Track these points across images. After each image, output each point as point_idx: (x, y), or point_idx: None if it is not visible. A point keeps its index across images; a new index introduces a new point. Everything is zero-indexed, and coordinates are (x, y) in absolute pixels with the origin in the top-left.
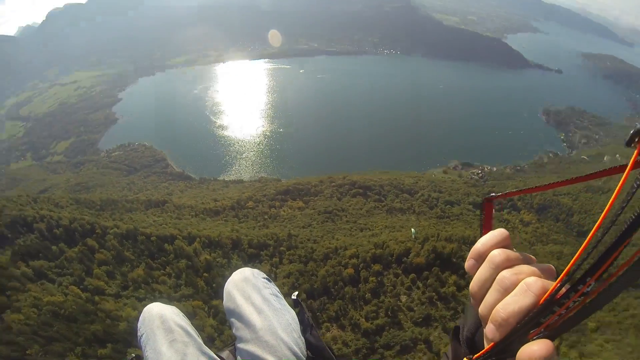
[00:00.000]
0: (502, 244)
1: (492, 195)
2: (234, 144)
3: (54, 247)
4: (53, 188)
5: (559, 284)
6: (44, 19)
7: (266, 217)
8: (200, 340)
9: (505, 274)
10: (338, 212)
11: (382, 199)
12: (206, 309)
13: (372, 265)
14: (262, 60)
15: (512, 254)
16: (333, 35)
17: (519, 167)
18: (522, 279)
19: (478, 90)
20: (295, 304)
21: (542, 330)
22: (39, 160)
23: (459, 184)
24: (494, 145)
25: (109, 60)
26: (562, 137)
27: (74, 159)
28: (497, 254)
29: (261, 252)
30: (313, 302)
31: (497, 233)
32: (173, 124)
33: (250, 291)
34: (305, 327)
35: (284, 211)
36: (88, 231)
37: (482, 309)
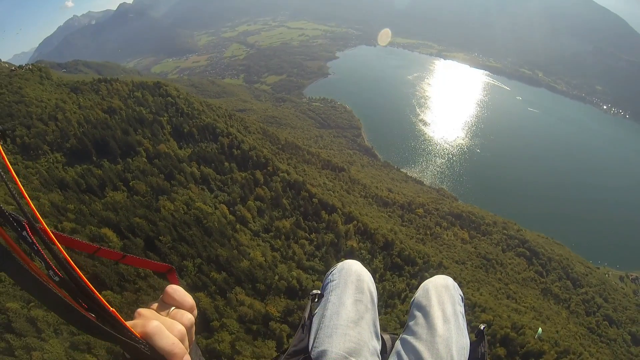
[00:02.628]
0: None
1: None
2: (429, 143)
3: (226, 164)
4: (250, 111)
5: None
6: None
7: (428, 232)
8: (377, 314)
9: None
10: (496, 265)
11: (544, 273)
12: None
13: (497, 345)
14: (481, 71)
15: None
16: (558, 71)
17: None
18: None
19: None
20: (477, 334)
21: None
22: (249, 84)
23: (630, 303)
24: None
25: (337, 19)
26: None
27: (278, 94)
28: None
29: (406, 267)
30: None
31: None
32: (378, 99)
33: (445, 299)
34: (475, 358)
35: (447, 235)
36: (261, 164)
37: None
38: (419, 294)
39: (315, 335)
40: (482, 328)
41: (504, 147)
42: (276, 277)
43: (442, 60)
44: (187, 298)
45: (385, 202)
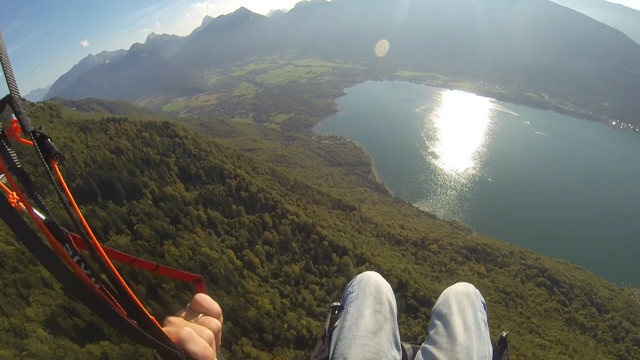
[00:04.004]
0: None
1: None
2: (440, 176)
3: (234, 207)
4: (259, 151)
5: None
6: (293, 7)
7: (443, 269)
8: (396, 324)
9: None
10: (515, 298)
11: (567, 302)
12: None
13: None
14: (487, 98)
15: None
16: (564, 92)
17: None
18: None
19: None
20: (500, 342)
21: None
22: (258, 122)
23: None
24: None
25: (343, 56)
26: None
27: (287, 132)
28: None
29: (421, 308)
30: None
31: None
32: (387, 134)
33: (466, 306)
34: None
35: (462, 270)
36: (270, 207)
37: None
38: (439, 302)
39: (335, 346)
40: (504, 335)
41: (515, 173)
42: (285, 326)
43: (448, 90)
44: (214, 306)
45: (398, 240)
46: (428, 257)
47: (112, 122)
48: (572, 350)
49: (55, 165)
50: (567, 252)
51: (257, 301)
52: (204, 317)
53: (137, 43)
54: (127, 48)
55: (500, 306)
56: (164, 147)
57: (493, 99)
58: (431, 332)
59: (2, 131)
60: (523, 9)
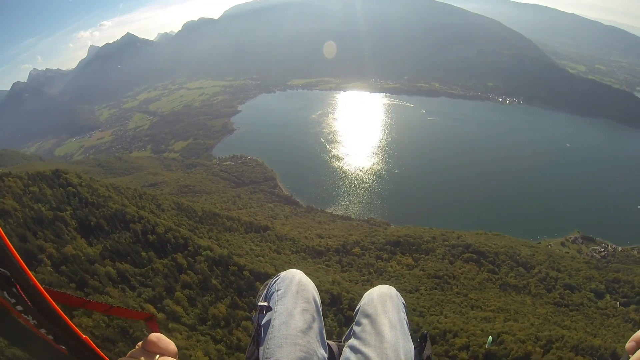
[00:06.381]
0: None
1: None
2: (347, 177)
3: (143, 254)
4: (162, 184)
5: None
6: (180, 29)
7: (372, 270)
8: (323, 323)
9: None
10: (449, 279)
11: (496, 269)
12: None
13: None
14: (381, 94)
15: None
16: (452, 78)
17: None
18: None
19: (609, 153)
20: (421, 339)
21: None
22: (157, 154)
23: (580, 263)
24: (623, 220)
25: (234, 73)
26: None
27: (188, 160)
28: None
29: None
30: None
31: None
32: (287, 145)
33: (390, 307)
34: None
35: (391, 266)
36: (180, 246)
37: None
38: (364, 302)
39: (266, 347)
40: (424, 333)
41: (419, 160)
42: None
43: (342, 92)
44: (171, 346)
45: (319, 252)
46: (353, 261)
47: None
48: (514, 313)
49: None
50: (482, 223)
51: (190, 356)
52: (161, 358)
53: (18, 81)
54: (8, 88)
55: (436, 292)
56: (57, 200)
57: (387, 94)
58: (357, 330)
59: None
60: (402, 8)
